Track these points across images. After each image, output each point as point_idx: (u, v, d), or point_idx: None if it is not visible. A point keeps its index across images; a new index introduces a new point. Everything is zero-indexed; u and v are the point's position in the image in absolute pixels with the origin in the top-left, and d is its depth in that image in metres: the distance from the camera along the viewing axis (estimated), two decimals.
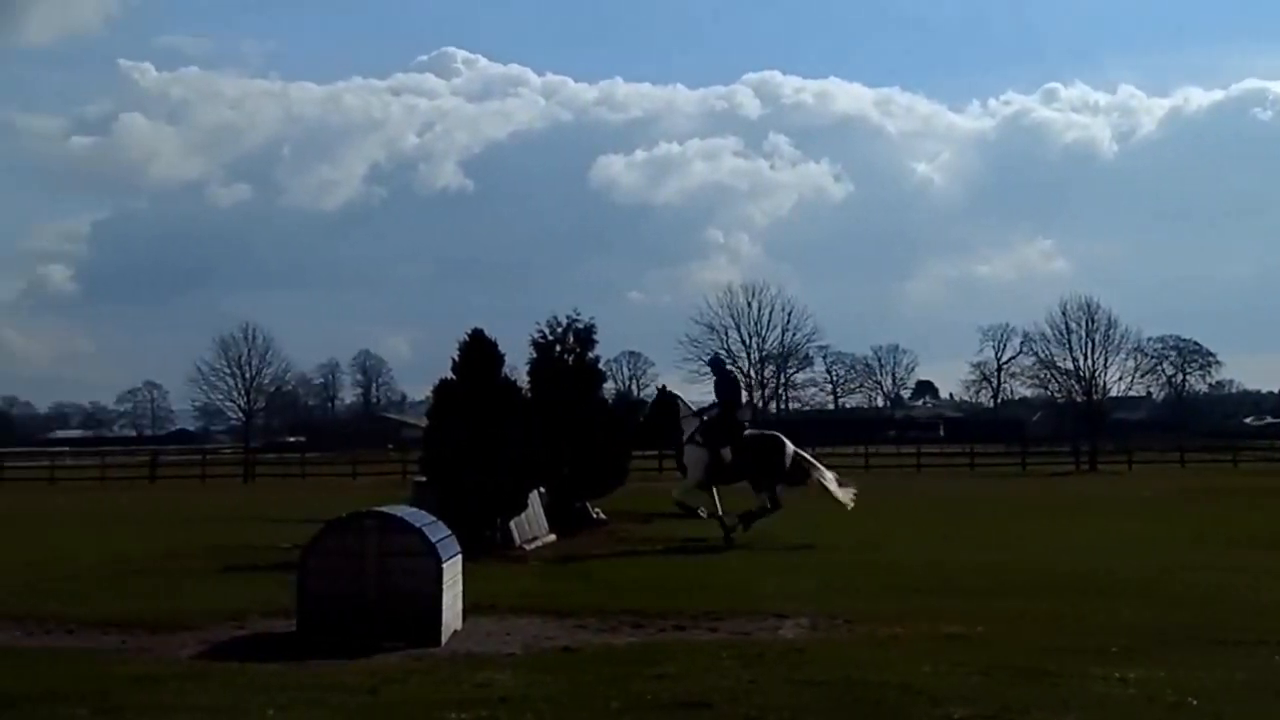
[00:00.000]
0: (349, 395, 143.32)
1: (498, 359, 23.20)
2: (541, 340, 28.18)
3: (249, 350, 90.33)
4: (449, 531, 13.68)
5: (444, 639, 12.61)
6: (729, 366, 25.06)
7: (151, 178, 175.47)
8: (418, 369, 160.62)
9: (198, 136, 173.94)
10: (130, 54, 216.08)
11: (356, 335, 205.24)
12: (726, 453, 24.08)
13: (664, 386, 27.49)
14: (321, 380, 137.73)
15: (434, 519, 13.73)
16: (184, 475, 66.71)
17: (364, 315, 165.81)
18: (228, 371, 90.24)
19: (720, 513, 24.11)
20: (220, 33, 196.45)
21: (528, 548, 22.40)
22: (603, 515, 27.65)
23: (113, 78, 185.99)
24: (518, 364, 25.35)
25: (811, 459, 25.41)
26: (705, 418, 24.80)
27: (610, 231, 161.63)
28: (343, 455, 78.69)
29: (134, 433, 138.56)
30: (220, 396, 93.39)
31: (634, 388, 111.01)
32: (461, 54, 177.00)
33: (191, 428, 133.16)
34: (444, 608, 12.71)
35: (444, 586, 12.70)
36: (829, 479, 24.73)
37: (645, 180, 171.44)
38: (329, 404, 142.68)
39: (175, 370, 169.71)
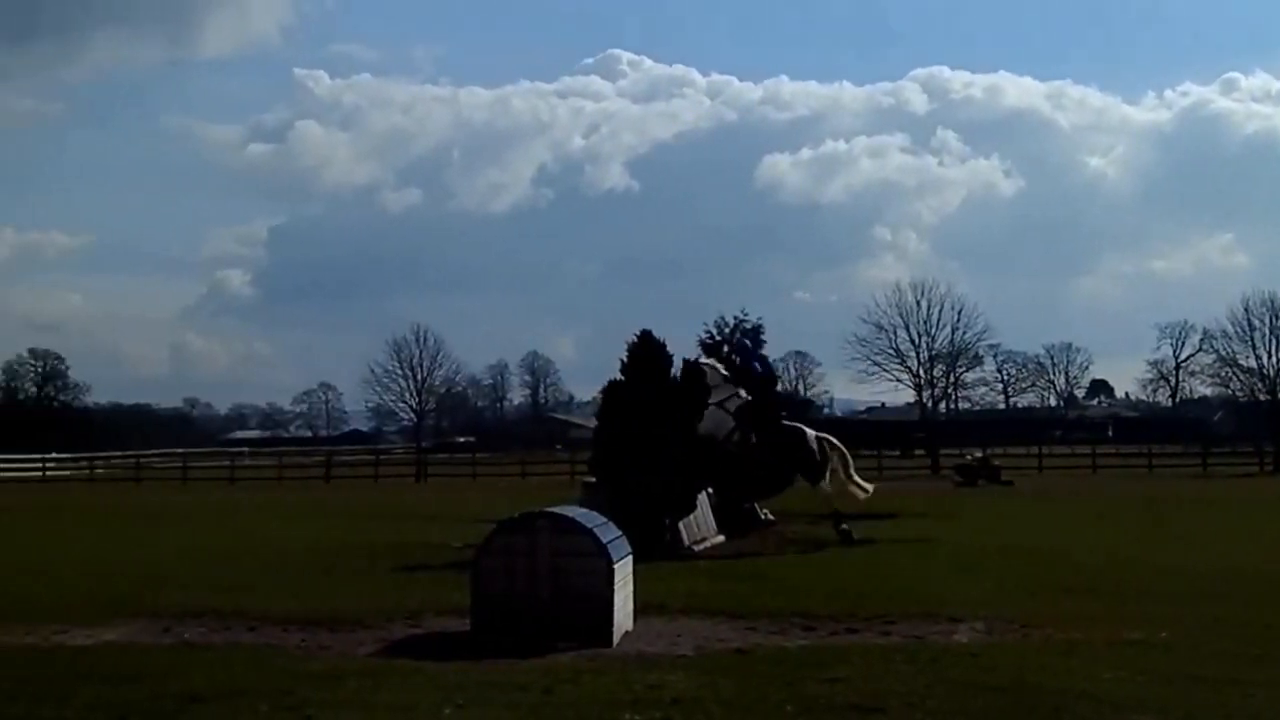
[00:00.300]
0: (517, 396, 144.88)
1: (666, 359, 23.25)
2: (709, 340, 28.21)
3: (420, 352, 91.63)
4: (620, 532, 13.70)
5: (616, 640, 12.63)
6: (754, 354, 23.95)
7: (325, 183, 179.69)
8: (585, 370, 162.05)
9: (370, 142, 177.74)
10: (305, 63, 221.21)
11: (525, 336, 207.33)
12: (752, 436, 23.76)
13: (695, 359, 25.84)
14: (490, 381, 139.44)
15: (605, 520, 13.76)
16: (358, 475, 68.01)
17: (532, 316, 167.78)
18: (400, 373, 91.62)
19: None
20: (391, 40, 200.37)
21: (696, 548, 22.38)
22: (771, 516, 27.49)
23: (288, 86, 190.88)
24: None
25: (834, 442, 25.01)
26: (741, 393, 24.07)
27: (776, 231, 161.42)
28: (512, 455, 79.57)
29: (309, 433, 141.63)
30: (392, 398, 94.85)
31: (800, 388, 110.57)
32: (627, 56, 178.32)
33: (364, 428, 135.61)
34: (615, 608, 12.73)
35: (615, 587, 12.72)
36: (849, 467, 24.86)
37: (811, 179, 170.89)
38: (498, 405, 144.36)
39: (349, 372, 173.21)
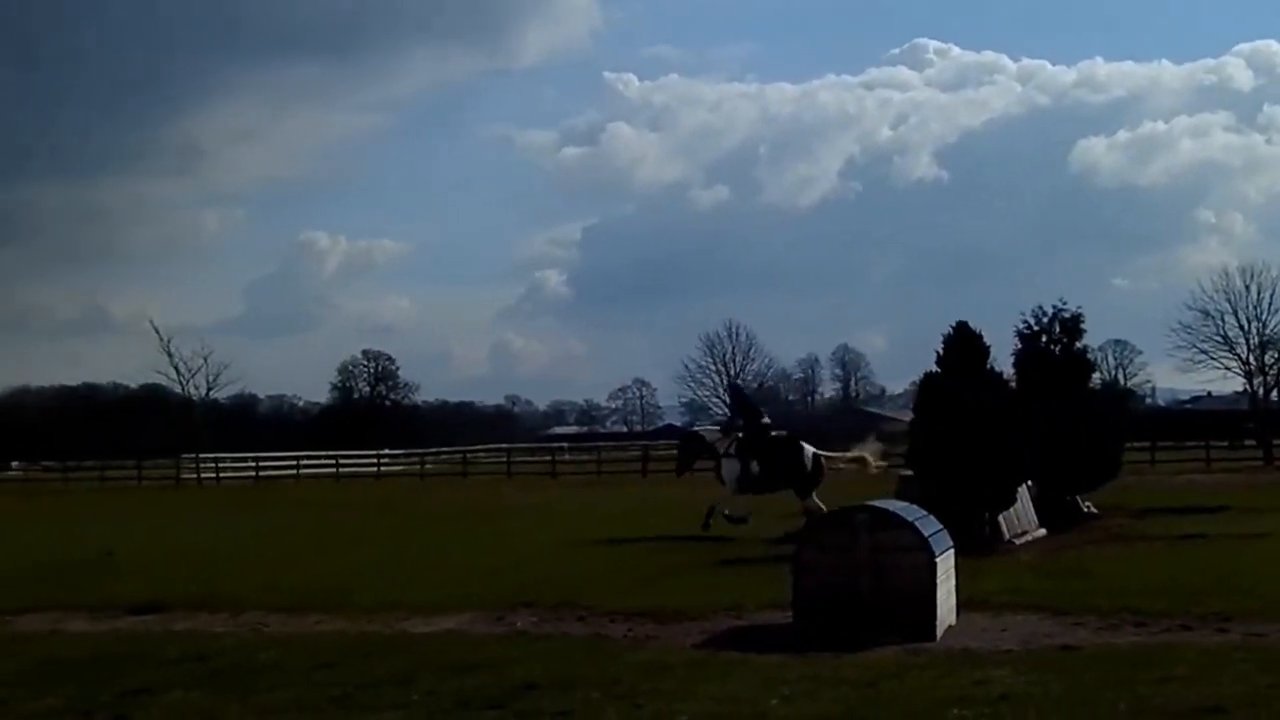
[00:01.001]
0: (828, 390, 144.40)
1: (983, 351, 22.88)
2: (1027, 330, 27.58)
3: (733, 347, 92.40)
4: (941, 525, 13.61)
5: (939, 634, 12.55)
6: (744, 390, 26.98)
7: (636, 183, 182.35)
8: (897, 362, 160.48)
9: (679, 141, 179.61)
10: (615, 66, 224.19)
11: (835, 330, 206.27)
12: (754, 465, 26.10)
13: (689, 433, 29.78)
14: (801, 375, 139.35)
15: (925, 513, 13.69)
16: (672, 470, 68.83)
17: (842, 310, 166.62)
18: (712, 368, 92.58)
19: (734, 514, 25.66)
20: (698, 40, 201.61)
21: (1017, 542, 21.99)
22: (1094, 509, 26.81)
23: (599, 90, 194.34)
24: (1001, 355, 24.87)
25: (831, 455, 27.34)
26: (739, 434, 26.65)
27: (1092, 216, 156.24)
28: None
29: (624, 428, 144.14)
30: (706, 393, 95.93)
31: (1121, 377, 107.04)
32: (934, 44, 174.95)
33: (678, 423, 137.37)
34: (938, 603, 12.65)
35: (938, 581, 12.64)
36: (850, 455, 27.65)
37: (1128, 162, 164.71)
38: (809, 399, 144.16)
39: (662, 368, 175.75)
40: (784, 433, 28.21)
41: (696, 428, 28.65)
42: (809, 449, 26.68)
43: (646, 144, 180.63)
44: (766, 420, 28.16)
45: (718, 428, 27.30)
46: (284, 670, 11.22)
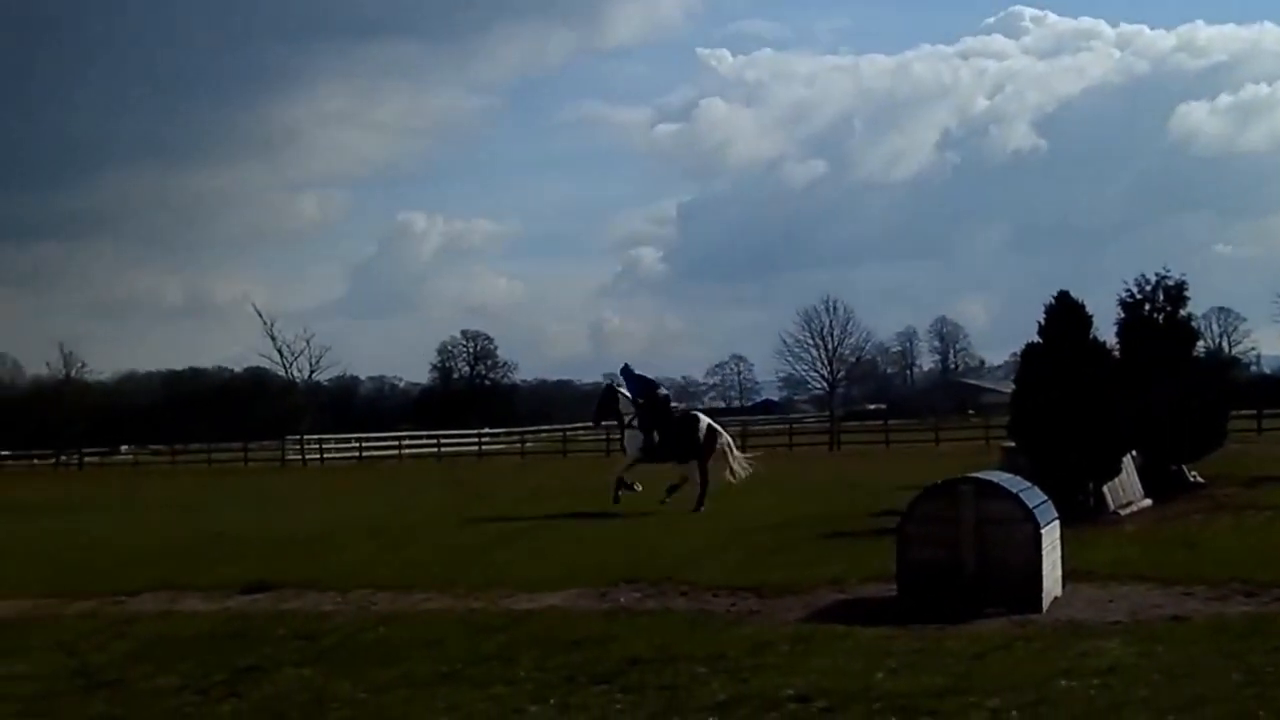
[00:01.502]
0: (926, 362, 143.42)
1: (1085, 320, 22.59)
2: (1129, 299, 27.19)
3: (830, 321, 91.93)
4: (1045, 497, 13.50)
5: (1045, 606, 12.46)
6: (636, 372, 27.19)
7: (730, 159, 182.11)
8: (996, 334, 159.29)
9: (773, 116, 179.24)
10: (707, 42, 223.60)
11: (933, 302, 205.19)
12: (655, 435, 27.11)
13: (611, 382, 30.36)
14: (899, 348, 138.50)
15: (1029, 484, 13.58)
16: (771, 444, 68.78)
17: (940, 282, 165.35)
18: (810, 343, 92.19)
19: (635, 486, 26.95)
20: (792, 14, 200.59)
21: (1122, 513, 21.73)
22: (1200, 479, 26.41)
23: (692, 66, 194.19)
24: (1104, 325, 24.57)
25: (722, 430, 28.11)
26: (639, 403, 27.67)
27: (1193, 183, 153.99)
28: (924, 422, 78.88)
29: (723, 404, 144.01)
30: (804, 367, 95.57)
31: (1225, 345, 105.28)
32: (1030, 12, 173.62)
33: (775, 398, 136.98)
34: (1044, 574, 12.55)
35: (1044, 552, 12.54)
36: (733, 454, 28.05)
37: (1230, 127, 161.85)
38: (907, 372, 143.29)
39: (759, 343, 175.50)
40: (682, 406, 29.82)
41: (618, 386, 29.02)
42: (704, 421, 27.95)
43: (740, 120, 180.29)
44: (664, 392, 29.20)
45: (629, 395, 28.04)
46: (392, 648, 11.38)
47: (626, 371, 29.57)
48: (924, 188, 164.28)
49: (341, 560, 18.18)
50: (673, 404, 28.59)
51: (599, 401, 30.00)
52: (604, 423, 31.34)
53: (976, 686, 9.13)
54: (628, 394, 28.12)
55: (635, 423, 27.64)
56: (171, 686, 10.09)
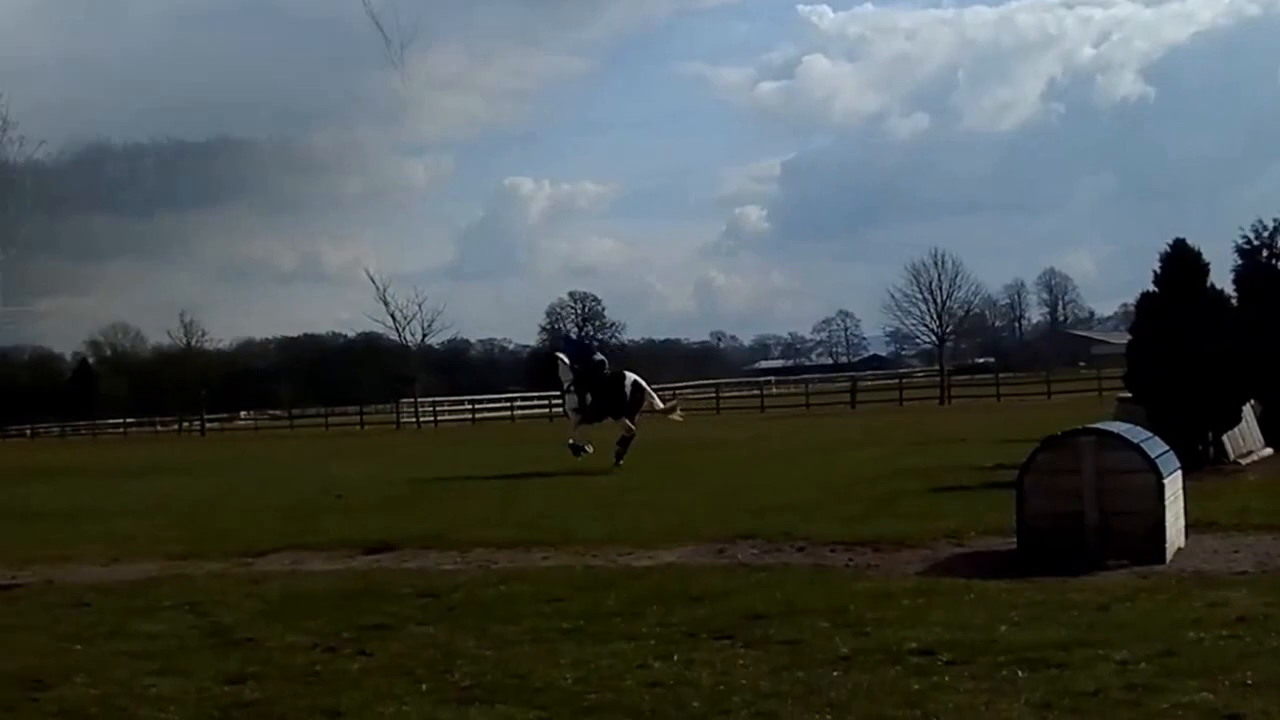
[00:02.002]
0: (1035, 315, 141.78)
1: (1202, 269, 22.22)
2: (1246, 246, 26.65)
3: (939, 275, 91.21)
4: (1167, 447, 13.34)
5: (1168, 557, 12.33)
6: (572, 337, 29.75)
7: (833, 115, 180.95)
8: (1105, 284, 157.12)
9: (875, 71, 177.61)
10: None
11: (1041, 254, 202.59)
12: (588, 396, 29.14)
13: (549, 351, 33.97)
14: (1008, 301, 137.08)
15: (1150, 434, 13.43)
16: (881, 400, 68.49)
17: (1048, 234, 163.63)
18: (919, 297, 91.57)
19: (578, 442, 28.98)
20: None
21: (1243, 462, 21.43)
22: None
23: (793, 23, 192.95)
24: (1220, 272, 24.16)
25: (645, 386, 29.85)
26: (575, 368, 29.75)
27: None
28: (1034, 375, 78.09)
29: (830, 360, 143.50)
30: (913, 321, 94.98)
31: None
32: None
33: (883, 353, 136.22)
34: (1167, 525, 12.42)
35: (1166, 503, 12.40)
36: (657, 402, 30.54)
37: None
38: (1015, 325, 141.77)
39: (866, 298, 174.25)
40: (614, 370, 31.17)
41: (558, 353, 31.34)
42: (629, 378, 29.62)
43: (843, 75, 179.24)
44: (600, 358, 31.24)
45: (568, 362, 30.25)
46: (515, 605, 11.51)
47: (566, 339, 30.85)
48: (1030, 139, 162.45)
49: (459, 520, 18.38)
50: (606, 369, 30.67)
51: (537, 367, 33.16)
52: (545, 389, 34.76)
53: (1103, 638, 9.05)
54: (566, 360, 30.18)
55: (572, 387, 29.64)
56: (302, 644, 10.28)
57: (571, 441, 29.15)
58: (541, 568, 13.79)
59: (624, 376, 29.90)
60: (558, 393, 32.20)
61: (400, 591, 12.55)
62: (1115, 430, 13.29)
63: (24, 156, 64.03)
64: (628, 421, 28.69)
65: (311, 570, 14.55)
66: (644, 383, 30.03)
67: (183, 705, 8.52)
